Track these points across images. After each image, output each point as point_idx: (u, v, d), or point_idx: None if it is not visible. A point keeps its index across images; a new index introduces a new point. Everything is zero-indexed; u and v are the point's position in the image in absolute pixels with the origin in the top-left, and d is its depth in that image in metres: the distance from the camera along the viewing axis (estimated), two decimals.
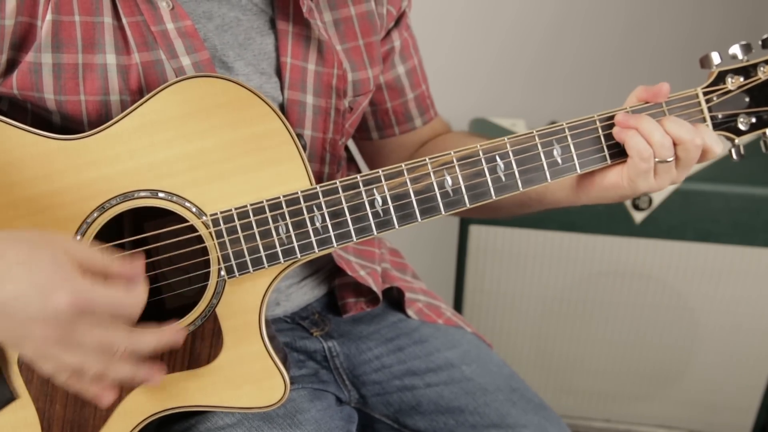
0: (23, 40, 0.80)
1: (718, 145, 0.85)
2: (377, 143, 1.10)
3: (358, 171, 1.11)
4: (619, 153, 0.86)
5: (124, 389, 0.81)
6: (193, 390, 0.83)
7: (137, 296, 0.70)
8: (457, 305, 1.73)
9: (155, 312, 0.78)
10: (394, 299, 1.11)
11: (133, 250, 0.80)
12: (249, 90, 0.79)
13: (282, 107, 0.91)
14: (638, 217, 1.58)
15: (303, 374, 0.99)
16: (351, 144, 1.11)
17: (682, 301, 1.64)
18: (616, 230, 1.60)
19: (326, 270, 1.07)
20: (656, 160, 0.83)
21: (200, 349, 0.82)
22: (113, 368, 0.72)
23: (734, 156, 0.90)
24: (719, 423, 1.77)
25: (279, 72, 0.91)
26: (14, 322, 0.67)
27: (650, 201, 1.55)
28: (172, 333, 0.75)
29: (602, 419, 1.81)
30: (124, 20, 0.82)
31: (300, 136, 0.86)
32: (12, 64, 0.80)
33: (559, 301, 1.69)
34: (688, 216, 1.56)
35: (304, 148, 0.82)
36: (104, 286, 0.68)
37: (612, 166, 0.87)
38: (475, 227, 1.64)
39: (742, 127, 0.89)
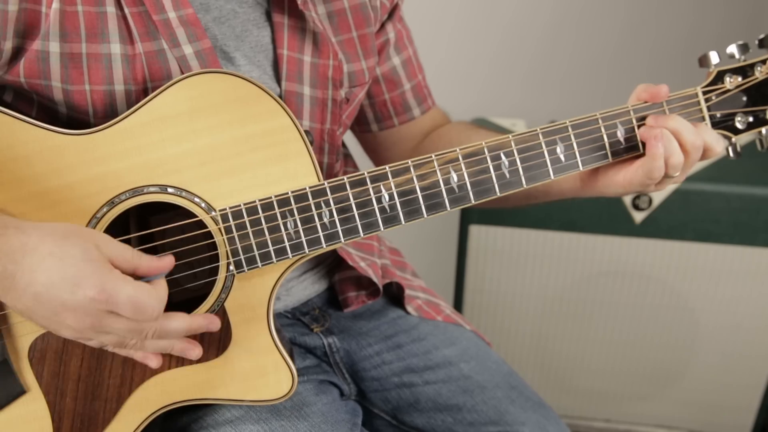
0: (29, 28, 0.80)
1: (719, 143, 0.86)
2: (378, 136, 1.11)
3: (355, 166, 1.12)
4: (619, 151, 0.87)
5: (134, 381, 0.82)
6: (201, 383, 0.84)
7: (159, 295, 0.72)
8: (457, 305, 1.73)
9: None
10: (394, 296, 1.11)
11: (141, 246, 0.81)
12: (257, 86, 0.80)
13: (280, 99, 0.92)
14: (638, 217, 1.58)
15: (307, 365, 0.99)
16: (348, 140, 1.12)
17: (682, 301, 1.65)
18: (616, 230, 1.60)
19: (326, 264, 1.08)
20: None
21: (209, 342, 0.83)
22: (148, 344, 0.75)
23: (731, 154, 0.91)
24: (719, 423, 1.77)
25: (276, 64, 0.92)
26: (49, 310, 0.70)
27: (650, 201, 1.56)
28: (203, 319, 0.78)
29: (602, 419, 1.81)
30: (126, 10, 0.82)
31: (308, 132, 0.87)
32: (18, 52, 0.80)
33: (559, 301, 1.70)
34: (688, 216, 1.56)
35: (312, 144, 0.83)
36: (130, 283, 0.70)
37: (624, 165, 0.88)
38: (475, 227, 1.64)
39: (739, 125, 0.90)
